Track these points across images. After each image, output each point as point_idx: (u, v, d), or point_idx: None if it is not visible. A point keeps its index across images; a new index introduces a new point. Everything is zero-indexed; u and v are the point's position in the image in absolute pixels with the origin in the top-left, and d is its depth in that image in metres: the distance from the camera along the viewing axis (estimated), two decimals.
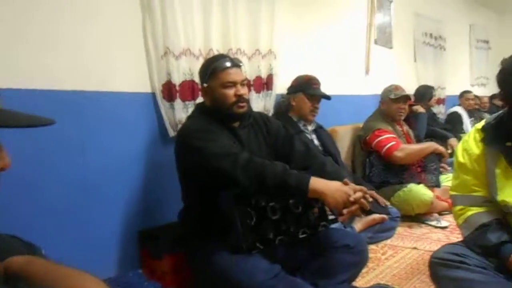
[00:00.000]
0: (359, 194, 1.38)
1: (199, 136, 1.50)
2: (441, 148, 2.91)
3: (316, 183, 1.36)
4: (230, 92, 1.57)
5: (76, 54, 1.67)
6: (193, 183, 1.60)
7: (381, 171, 2.86)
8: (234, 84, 1.58)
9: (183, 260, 1.66)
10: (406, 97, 3.05)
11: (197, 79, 2.00)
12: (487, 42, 6.78)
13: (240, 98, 1.58)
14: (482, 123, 1.48)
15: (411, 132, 3.23)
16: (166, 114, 1.95)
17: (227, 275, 1.35)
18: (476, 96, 5.51)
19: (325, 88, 2.55)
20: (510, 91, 1.33)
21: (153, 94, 1.94)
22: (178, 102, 1.95)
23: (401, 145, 2.80)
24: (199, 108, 1.71)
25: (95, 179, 1.72)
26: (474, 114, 5.38)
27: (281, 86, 2.55)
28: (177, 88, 1.95)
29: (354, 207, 1.37)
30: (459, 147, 1.53)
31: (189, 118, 1.71)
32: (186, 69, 1.99)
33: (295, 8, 2.84)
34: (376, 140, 2.84)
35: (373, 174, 2.88)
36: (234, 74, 1.59)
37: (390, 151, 2.76)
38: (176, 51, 1.93)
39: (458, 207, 1.50)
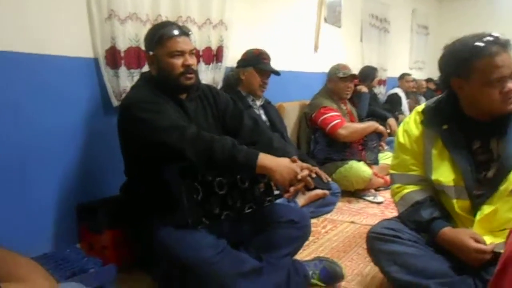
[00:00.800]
0: (305, 172, 1.40)
1: (145, 107, 1.44)
2: (381, 128, 3.04)
3: (265, 159, 1.36)
4: (178, 61, 1.51)
5: (10, 12, 1.51)
6: (137, 156, 1.53)
7: (324, 148, 2.94)
8: (182, 53, 1.51)
9: (124, 235, 1.62)
10: (353, 76, 3.13)
11: (143, 46, 1.90)
12: (426, 27, 7.10)
13: (188, 68, 1.52)
14: (423, 106, 1.55)
15: (354, 111, 3.34)
16: (110, 82, 1.84)
17: (172, 251, 1.32)
18: (414, 79, 5.80)
19: (274, 64, 2.54)
20: (449, 76, 1.40)
21: (96, 60, 1.83)
22: (123, 70, 1.85)
23: (345, 124, 2.89)
24: (144, 77, 1.62)
25: (29, 151, 1.61)
26: (411, 96, 5.68)
27: (231, 58, 2.50)
28: (122, 54, 1.84)
29: (300, 185, 1.39)
30: (400, 128, 1.60)
31: (133, 87, 1.62)
32: (132, 35, 1.88)
33: None
34: (322, 118, 2.91)
35: (317, 150, 2.96)
36: (182, 43, 1.52)
37: (334, 129, 2.85)
38: (121, 15, 1.82)
39: (396, 185, 1.58)
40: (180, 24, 2.05)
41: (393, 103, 5.21)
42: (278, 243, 1.54)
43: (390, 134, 4.14)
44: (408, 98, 5.53)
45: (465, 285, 1.31)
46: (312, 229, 2.21)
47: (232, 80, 2.45)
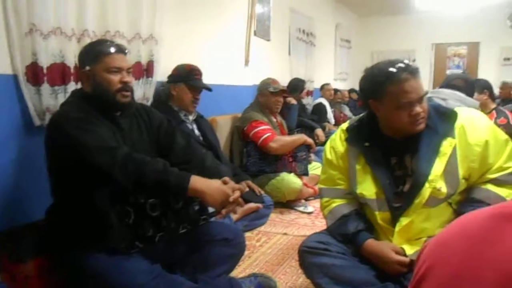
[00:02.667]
0: (237, 194, 1.44)
1: (76, 125, 1.38)
2: (310, 140, 3.17)
3: (196, 182, 1.37)
4: (115, 78, 1.47)
5: None
6: (66, 177, 1.46)
7: (257, 160, 3.01)
8: (119, 70, 1.48)
9: (50, 263, 1.52)
10: (283, 91, 3.24)
11: (68, 62, 1.82)
12: (349, 41, 7.56)
13: (125, 85, 1.49)
14: (347, 124, 1.66)
15: (284, 123, 3.45)
16: (31, 100, 1.73)
17: (104, 279, 1.28)
18: (337, 90, 6.12)
19: (206, 78, 2.56)
20: (368, 97, 1.51)
21: (15, 77, 1.71)
22: (45, 87, 1.75)
23: (276, 137, 2.98)
24: (77, 94, 1.56)
25: None
26: (335, 105, 6.00)
27: (162, 73, 2.47)
28: (45, 71, 1.75)
29: (231, 207, 1.42)
30: (327, 145, 1.70)
31: (64, 104, 1.54)
32: (56, 50, 1.79)
33: None
34: (253, 131, 2.97)
35: (250, 163, 3.01)
36: (120, 60, 1.49)
37: (265, 142, 2.92)
38: (44, 29, 1.72)
39: (325, 199, 1.67)
40: (109, 38, 2.01)
41: (319, 112, 5.45)
42: (213, 262, 1.56)
43: (318, 144, 4.34)
44: (333, 108, 5.83)
45: None
46: (247, 243, 2.26)
47: (163, 95, 2.42)
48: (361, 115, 1.67)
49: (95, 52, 1.47)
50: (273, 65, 4.69)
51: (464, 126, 1.44)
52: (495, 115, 3.02)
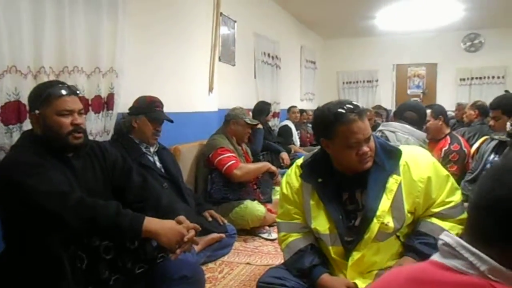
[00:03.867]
0: (192, 233, 1.46)
1: (24, 170, 1.37)
2: (273, 168, 3.22)
3: (150, 224, 1.38)
4: (66, 120, 1.47)
5: None
6: (16, 223, 1.43)
7: (221, 187, 3.03)
8: (70, 112, 1.48)
9: None
10: (257, 125, 3.38)
11: (24, 100, 1.81)
12: (314, 62, 7.77)
13: (76, 127, 1.49)
14: (302, 160, 1.72)
15: (249, 151, 3.50)
16: None
17: None
18: (303, 110, 6.26)
19: (168, 106, 2.58)
20: (319, 136, 1.58)
21: None
22: None
23: (240, 164, 3.02)
24: (26, 136, 1.54)
25: None
26: (301, 126, 6.12)
27: (123, 104, 2.48)
28: None
29: (186, 246, 1.44)
30: (283, 180, 1.75)
31: (14, 148, 1.53)
32: (11, 89, 1.77)
33: (140, 26, 2.78)
34: (218, 158, 3.00)
35: (214, 190, 3.04)
36: (71, 102, 1.49)
37: (230, 170, 2.95)
38: None
39: (282, 233, 1.71)
40: (67, 74, 2.01)
41: (285, 135, 5.55)
42: None
43: (283, 167, 4.41)
44: (298, 129, 5.95)
45: None
46: (209, 274, 2.28)
47: (124, 127, 2.42)
48: (315, 151, 1.73)
49: (45, 95, 1.46)
50: (238, 89, 4.77)
51: (408, 163, 1.53)
52: (449, 140, 3.16)
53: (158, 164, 2.43)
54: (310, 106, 7.52)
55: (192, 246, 1.51)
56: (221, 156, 3.00)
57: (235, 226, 2.81)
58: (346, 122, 1.46)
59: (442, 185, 1.54)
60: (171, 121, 2.46)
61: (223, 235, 2.51)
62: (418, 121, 2.33)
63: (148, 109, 2.38)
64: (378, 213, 1.48)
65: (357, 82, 8.27)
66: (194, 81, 3.57)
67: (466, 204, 2.41)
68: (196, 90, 3.61)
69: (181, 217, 1.51)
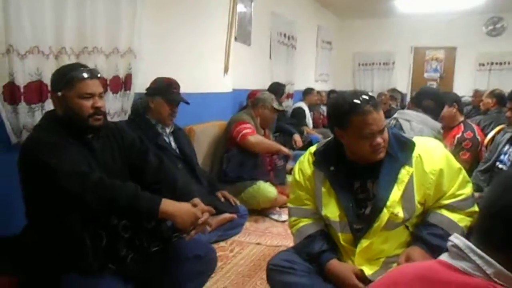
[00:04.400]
0: (206, 216, 1.51)
1: (48, 150, 1.42)
2: (286, 150, 3.24)
3: (166, 205, 1.43)
4: (88, 103, 1.51)
5: None
6: (38, 201, 1.50)
7: (236, 167, 3.09)
8: (91, 95, 1.52)
9: (23, 282, 1.56)
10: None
11: (46, 79, 1.85)
12: (330, 43, 7.66)
13: (97, 110, 1.54)
14: (315, 147, 1.75)
15: (271, 136, 3.55)
16: (8, 119, 1.77)
17: None
18: (318, 92, 6.23)
19: (184, 87, 2.61)
20: (333, 125, 1.60)
21: None
22: (22, 106, 1.79)
23: (256, 134, 3.08)
24: (49, 117, 1.59)
25: None
26: (314, 108, 6.10)
27: (140, 85, 2.52)
28: (22, 90, 1.78)
29: (201, 228, 1.50)
30: (296, 166, 1.78)
31: (37, 128, 1.59)
32: (33, 69, 1.82)
33: (158, 6, 2.78)
34: (237, 129, 3.08)
35: (229, 169, 3.09)
36: (92, 86, 1.53)
37: (245, 136, 3.02)
38: (21, 49, 1.75)
39: (293, 218, 1.76)
40: (87, 55, 2.04)
41: (298, 116, 5.55)
42: (184, 279, 1.62)
43: (295, 149, 4.44)
44: (312, 110, 5.94)
45: None
46: (220, 253, 2.35)
47: (141, 107, 2.47)
48: (329, 138, 1.75)
49: (67, 78, 1.50)
50: (253, 69, 4.76)
51: (421, 155, 1.54)
52: (462, 128, 3.14)
53: (173, 144, 2.49)
54: (324, 87, 7.47)
55: (206, 228, 1.56)
56: (240, 126, 3.09)
57: (246, 206, 2.88)
58: (361, 113, 1.47)
59: (454, 178, 1.55)
60: (188, 103, 2.50)
61: (234, 215, 2.58)
62: (435, 110, 2.33)
63: (165, 90, 2.41)
64: (388, 203, 1.51)
65: (373, 64, 8.15)
66: (210, 61, 3.58)
67: (477, 194, 2.44)
68: (212, 71, 3.62)
69: (196, 200, 1.56)
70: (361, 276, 1.52)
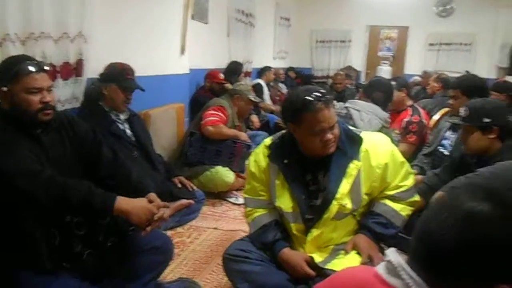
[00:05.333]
0: (161, 212, 1.53)
1: None
2: (245, 137, 3.27)
3: (121, 203, 1.43)
4: (35, 98, 1.46)
5: None
6: None
7: (197, 152, 3.10)
8: (39, 90, 1.47)
9: None
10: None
11: None
12: (288, 19, 7.65)
13: (46, 105, 1.50)
14: (270, 141, 1.80)
15: (244, 127, 3.59)
16: None
17: None
18: (275, 70, 6.27)
19: (140, 70, 2.56)
20: (286, 120, 1.65)
21: None
22: None
23: (220, 125, 3.10)
24: None
25: None
26: (272, 85, 6.16)
27: (93, 70, 2.43)
28: None
29: (157, 223, 1.52)
30: (251, 158, 1.83)
31: None
32: None
33: None
34: (207, 112, 3.13)
35: (190, 154, 3.11)
36: (40, 80, 1.47)
37: (205, 124, 3.07)
38: None
39: (248, 208, 1.82)
40: (33, 41, 1.95)
41: (257, 93, 5.58)
42: (142, 271, 1.66)
43: (253, 129, 4.50)
44: (269, 88, 5.99)
45: None
46: (178, 239, 2.40)
47: (94, 94, 2.39)
48: (283, 131, 1.80)
49: (13, 72, 1.44)
50: (211, 48, 4.70)
51: (368, 150, 1.63)
52: (410, 112, 3.31)
53: (128, 132, 2.44)
54: (282, 64, 7.51)
55: (162, 223, 1.59)
56: (212, 111, 3.13)
57: (203, 189, 2.92)
58: (312, 110, 1.53)
59: (397, 171, 1.67)
60: (143, 90, 2.45)
61: (192, 201, 2.58)
62: (384, 102, 2.45)
63: (119, 77, 2.35)
64: (337, 195, 1.60)
65: (330, 41, 8.24)
66: (166, 42, 3.47)
67: (420, 177, 2.60)
68: (168, 51, 3.52)
69: (152, 195, 1.57)
70: (312, 263, 1.62)
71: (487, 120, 1.88)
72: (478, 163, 1.98)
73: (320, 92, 1.58)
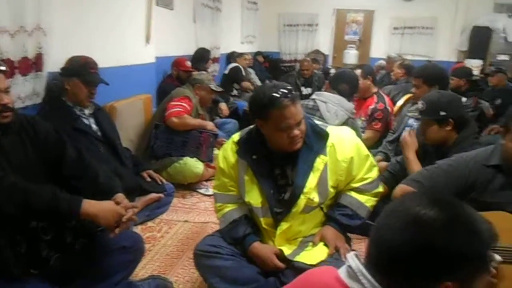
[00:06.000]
0: (130, 213, 1.51)
1: None
2: (210, 128, 3.26)
3: (88, 207, 1.40)
4: None
5: None
6: None
7: (164, 144, 3.07)
8: None
9: None
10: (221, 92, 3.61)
11: None
12: (255, 3, 7.58)
13: (3, 107, 1.44)
14: (238, 136, 1.81)
15: (207, 117, 3.54)
16: None
17: None
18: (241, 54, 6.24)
19: (103, 62, 2.48)
20: (254, 116, 1.66)
21: None
22: None
23: (184, 115, 3.07)
24: None
25: None
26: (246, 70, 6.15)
27: (54, 63, 2.34)
28: None
29: (125, 225, 1.50)
30: (220, 154, 1.84)
31: None
32: None
33: None
34: (172, 103, 3.08)
35: (157, 146, 3.08)
36: None
37: (169, 115, 3.03)
38: None
39: (218, 204, 1.84)
40: None
41: (238, 74, 5.61)
42: (111, 271, 1.64)
43: (222, 117, 4.49)
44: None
45: (268, 286, 1.66)
46: (148, 234, 2.40)
47: (56, 89, 2.31)
48: (251, 127, 1.81)
49: None
50: (177, 35, 4.61)
51: (334, 145, 1.68)
52: (375, 99, 3.40)
53: (94, 127, 2.39)
54: (250, 49, 7.46)
55: (131, 223, 1.58)
56: (176, 102, 3.10)
57: (173, 181, 2.91)
58: (279, 107, 1.54)
59: (362, 164, 1.72)
60: (107, 84, 2.39)
61: (161, 195, 2.57)
62: (349, 93, 2.51)
63: (81, 71, 2.27)
64: (305, 190, 1.64)
65: (297, 25, 8.25)
66: (130, 31, 3.36)
67: (384, 164, 2.69)
68: (132, 41, 3.42)
69: (120, 196, 1.56)
70: (281, 256, 1.66)
71: (443, 113, 1.97)
72: (437, 151, 2.08)
73: (287, 89, 1.59)
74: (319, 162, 1.66)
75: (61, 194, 1.40)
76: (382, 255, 0.74)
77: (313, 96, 2.49)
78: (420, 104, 2.06)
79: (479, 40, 6.75)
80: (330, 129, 1.73)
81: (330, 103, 2.36)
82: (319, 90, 4.30)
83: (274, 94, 1.56)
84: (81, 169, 1.65)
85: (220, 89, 3.59)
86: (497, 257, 1.36)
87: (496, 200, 1.48)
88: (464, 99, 3.58)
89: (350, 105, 2.46)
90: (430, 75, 2.71)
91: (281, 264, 1.64)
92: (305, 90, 5.68)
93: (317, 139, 1.68)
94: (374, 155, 2.84)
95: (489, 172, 1.53)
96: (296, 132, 1.59)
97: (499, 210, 1.44)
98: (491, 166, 1.53)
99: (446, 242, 0.72)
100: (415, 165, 2.02)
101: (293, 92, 1.60)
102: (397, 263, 0.73)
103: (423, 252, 0.72)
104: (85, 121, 2.36)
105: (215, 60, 5.73)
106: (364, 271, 0.75)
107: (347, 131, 1.79)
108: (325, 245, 1.68)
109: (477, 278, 0.75)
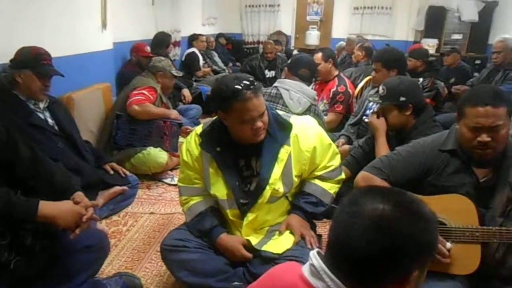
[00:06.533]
0: (90, 212, 1.48)
1: None
2: (174, 117, 3.20)
3: (45, 208, 1.36)
4: None
5: None
6: None
7: (126, 135, 2.99)
8: None
9: None
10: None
11: None
12: None
13: None
14: (201, 129, 1.79)
15: (170, 104, 3.45)
16: None
17: None
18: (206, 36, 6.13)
19: (56, 51, 2.37)
20: (217, 108, 1.65)
21: None
22: None
23: (146, 103, 2.99)
24: None
25: None
26: (206, 54, 6.05)
27: (2, 55, 2.21)
28: None
29: (86, 225, 1.46)
30: (183, 147, 1.82)
31: None
32: None
33: None
34: (135, 92, 3.01)
35: (119, 137, 2.99)
36: None
37: (131, 104, 2.95)
38: None
39: (184, 197, 1.83)
40: None
41: (193, 61, 5.49)
42: (75, 272, 1.60)
43: (185, 103, 4.42)
44: (204, 59, 5.88)
45: (237, 276, 1.69)
46: (114, 228, 2.36)
47: (6, 82, 2.17)
48: (214, 118, 1.80)
49: None
50: (135, 19, 4.46)
51: (297, 135, 1.69)
52: (336, 82, 3.45)
53: (50, 121, 2.28)
54: (212, 31, 7.33)
55: (92, 222, 1.54)
56: (138, 91, 3.02)
57: (136, 172, 2.86)
58: (242, 100, 1.54)
59: (325, 153, 1.75)
60: (62, 75, 2.28)
61: (125, 187, 2.54)
62: (309, 77, 2.52)
63: (34, 63, 2.14)
64: (270, 181, 1.65)
65: (259, 6, 8.14)
66: (84, 17, 3.18)
67: (347, 147, 2.75)
68: (88, 27, 3.25)
69: (79, 195, 1.51)
70: (248, 246, 1.69)
71: (403, 98, 2.02)
72: (396, 135, 2.14)
73: (249, 81, 1.58)
74: (283, 152, 1.67)
75: (16, 198, 1.34)
76: (347, 261, 0.75)
77: (276, 84, 2.49)
78: (380, 89, 2.10)
79: (435, 19, 6.91)
80: (293, 119, 1.74)
81: (293, 90, 2.37)
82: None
83: (237, 86, 1.55)
84: (36, 168, 1.57)
85: (181, 74, 3.57)
86: (448, 244, 1.45)
87: (451, 184, 1.55)
88: (420, 80, 3.72)
89: (313, 92, 2.48)
90: (388, 59, 2.77)
91: (248, 254, 1.66)
92: (269, 73, 5.68)
93: (280, 130, 1.69)
94: (337, 138, 2.91)
95: (444, 157, 1.59)
96: (259, 124, 1.59)
97: (455, 193, 1.51)
98: (446, 151, 1.59)
99: (410, 236, 0.74)
100: (383, 149, 2.08)
101: (255, 84, 1.59)
102: (365, 269, 0.74)
103: (391, 253, 0.74)
104: (40, 115, 2.25)
105: (176, 43, 5.59)
106: (327, 270, 0.77)
107: (310, 120, 1.81)
108: (291, 233, 1.72)
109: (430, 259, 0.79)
